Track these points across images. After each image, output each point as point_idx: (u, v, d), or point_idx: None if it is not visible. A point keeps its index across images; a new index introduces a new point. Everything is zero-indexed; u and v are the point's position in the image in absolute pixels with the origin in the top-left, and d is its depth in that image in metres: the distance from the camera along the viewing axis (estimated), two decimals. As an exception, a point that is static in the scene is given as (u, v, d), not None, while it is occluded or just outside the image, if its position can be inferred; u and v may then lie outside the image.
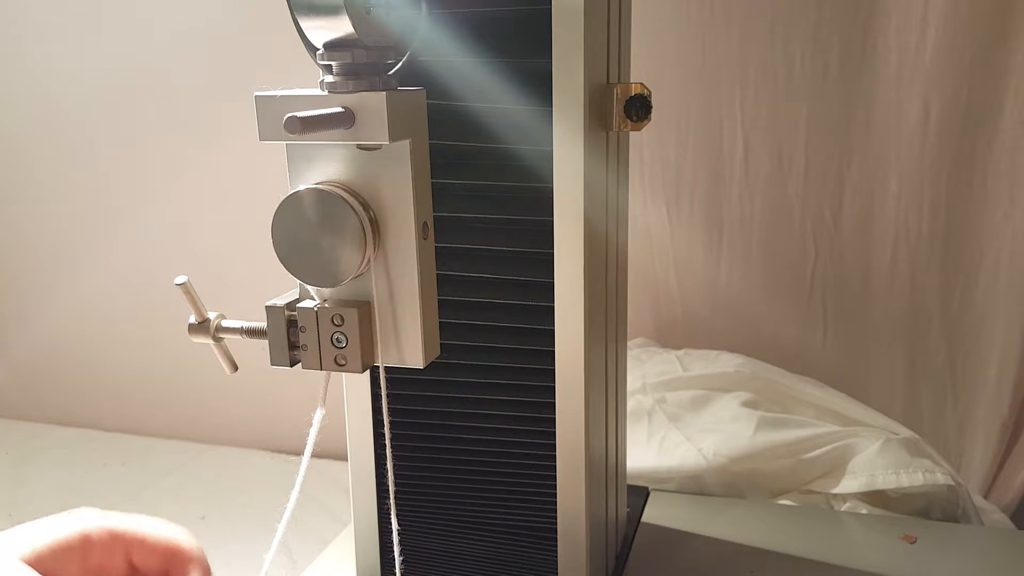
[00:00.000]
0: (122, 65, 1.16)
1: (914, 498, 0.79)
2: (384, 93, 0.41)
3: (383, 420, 0.56)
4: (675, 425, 0.88)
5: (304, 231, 0.43)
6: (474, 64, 0.51)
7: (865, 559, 0.70)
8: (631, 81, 0.55)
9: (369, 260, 0.44)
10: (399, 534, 0.62)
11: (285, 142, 0.44)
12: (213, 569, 0.55)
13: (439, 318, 0.48)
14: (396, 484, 0.63)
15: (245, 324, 0.51)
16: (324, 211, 0.43)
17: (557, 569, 0.59)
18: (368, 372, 0.58)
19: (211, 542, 0.98)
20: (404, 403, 0.60)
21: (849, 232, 1.00)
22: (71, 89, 1.19)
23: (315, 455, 0.49)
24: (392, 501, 0.55)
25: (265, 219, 0.43)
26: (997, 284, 0.96)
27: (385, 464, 0.62)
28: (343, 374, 0.50)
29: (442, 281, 0.49)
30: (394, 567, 0.64)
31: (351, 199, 0.43)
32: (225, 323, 0.52)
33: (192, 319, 0.52)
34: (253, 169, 1.06)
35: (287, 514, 0.50)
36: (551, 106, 0.50)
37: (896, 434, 0.84)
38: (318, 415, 0.49)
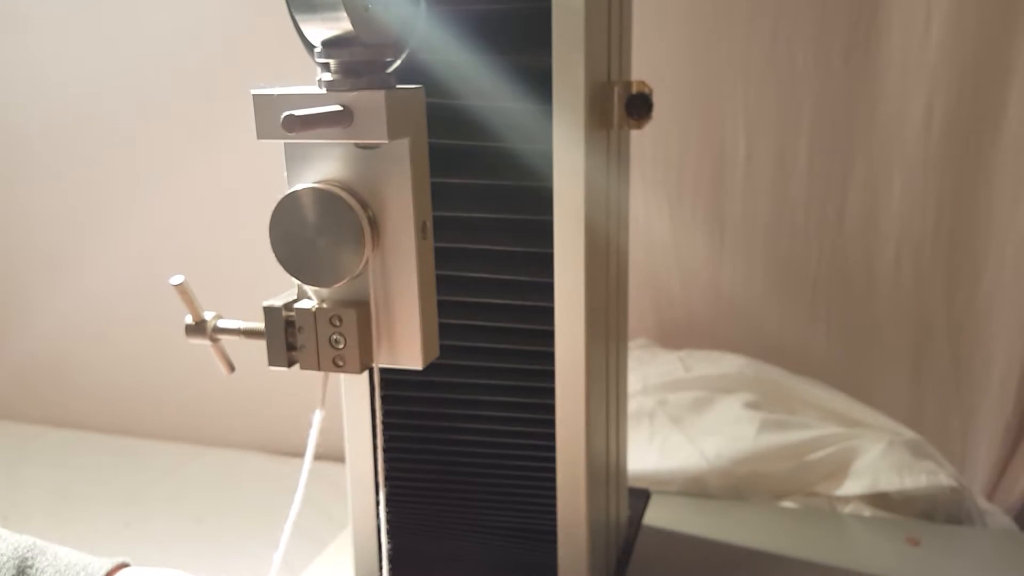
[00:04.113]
0: (121, 65, 1.15)
1: (918, 500, 0.78)
2: (383, 91, 0.41)
3: (384, 421, 0.55)
4: (677, 427, 0.87)
5: (302, 231, 0.43)
6: (473, 62, 0.50)
7: (868, 562, 0.70)
8: (632, 79, 0.55)
9: (368, 260, 0.44)
10: (400, 532, 0.62)
11: (283, 141, 0.43)
12: (210, 570, 0.55)
13: (438, 318, 0.48)
14: (396, 486, 0.62)
15: (242, 325, 0.51)
16: (322, 210, 0.42)
17: (558, 572, 0.59)
18: (366, 373, 0.58)
19: (208, 544, 0.98)
20: (404, 404, 0.60)
21: (852, 231, 1.00)
22: (70, 89, 1.19)
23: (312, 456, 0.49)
24: (382, 499, 0.55)
25: (263, 219, 0.43)
26: (1001, 284, 0.96)
27: (384, 465, 0.61)
28: (341, 375, 0.50)
29: (442, 281, 0.49)
30: (394, 570, 0.63)
31: (349, 198, 0.43)
32: (222, 324, 0.52)
33: (188, 320, 0.51)
34: (251, 168, 1.05)
35: (291, 517, 0.49)
36: (551, 104, 0.49)
37: (900, 436, 0.84)
38: (317, 417, 0.49)
